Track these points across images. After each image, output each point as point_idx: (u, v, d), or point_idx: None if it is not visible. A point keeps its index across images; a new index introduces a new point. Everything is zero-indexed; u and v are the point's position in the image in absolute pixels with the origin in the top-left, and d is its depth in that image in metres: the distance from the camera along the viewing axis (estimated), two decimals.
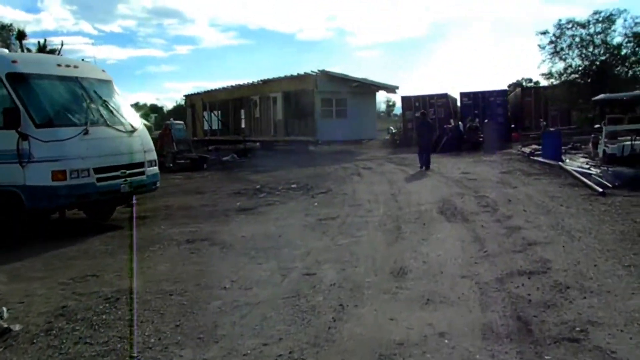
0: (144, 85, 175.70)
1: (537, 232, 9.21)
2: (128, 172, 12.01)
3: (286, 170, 22.88)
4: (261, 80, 37.49)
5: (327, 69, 33.16)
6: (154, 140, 26.45)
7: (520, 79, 72.76)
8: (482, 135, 29.84)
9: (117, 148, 11.99)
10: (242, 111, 40.70)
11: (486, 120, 30.79)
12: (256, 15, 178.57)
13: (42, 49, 59.35)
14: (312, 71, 33.35)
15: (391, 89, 37.57)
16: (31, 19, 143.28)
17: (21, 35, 59.47)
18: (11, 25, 58.90)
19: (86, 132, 11.18)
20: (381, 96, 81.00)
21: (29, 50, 59.02)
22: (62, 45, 61.00)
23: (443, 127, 31.74)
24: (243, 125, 41.02)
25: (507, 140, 32.54)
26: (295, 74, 34.55)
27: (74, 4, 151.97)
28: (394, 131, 39.50)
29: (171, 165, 25.59)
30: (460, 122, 31.20)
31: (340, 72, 34.09)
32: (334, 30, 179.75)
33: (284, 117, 34.58)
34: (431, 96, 36.72)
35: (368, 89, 35.88)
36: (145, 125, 13.93)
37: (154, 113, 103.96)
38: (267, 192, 16.31)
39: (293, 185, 17.28)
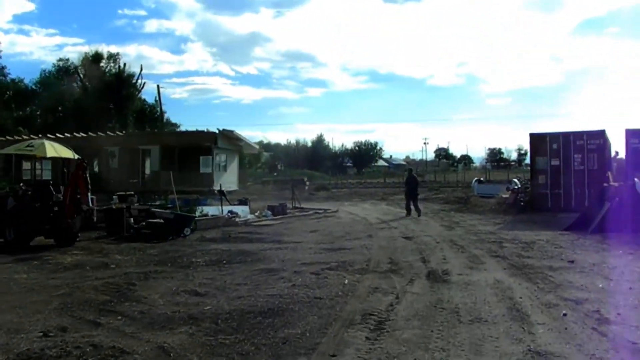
0: (277, 125, 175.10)
1: None
2: None
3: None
4: (124, 132, 41.14)
5: (225, 128, 35.92)
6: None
7: None
8: None
9: None
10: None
11: None
12: (387, 60, 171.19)
13: (120, 72, 51.88)
14: (208, 129, 36.32)
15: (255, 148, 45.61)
16: (175, 60, 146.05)
17: (97, 57, 52.19)
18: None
19: None
20: None
21: (104, 73, 51.86)
22: (141, 70, 53.37)
23: (602, 187, 17.27)
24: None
25: None
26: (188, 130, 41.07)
27: (213, 47, 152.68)
28: (516, 186, 25.04)
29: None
30: (637, 180, 16.53)
31: (235, 132, 37.03)
32: (465, 76, 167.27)
33: (160, 169, 33.87)
34: (578, 134, 21.98)
35: (238, 147, 39.03)
36: None
37: (267, 151, 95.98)
38: None
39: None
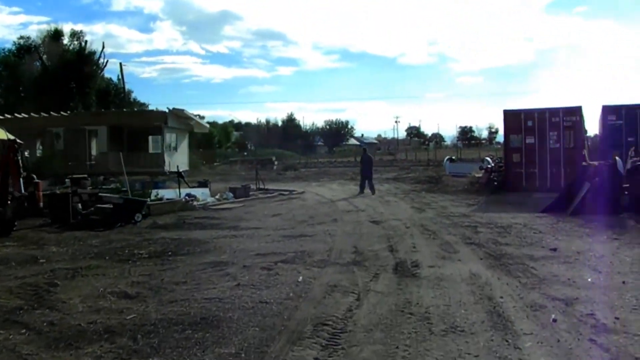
0: (247, 104, 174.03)
1: None
2: None
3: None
4: (70, 112, 38.04)
5: (176, 107, 35.56)
6: None
7: None
8: None
9: None
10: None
11: None
12: (358, 39, 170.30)
13: (81, 49, 49.46)
14: (157, 108, 37.18)
15: (206, 127, 43.52)
16: (144, 39, 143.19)
17: (57, 34, 49.63)
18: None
19: None
20: None
21: (65, 51, 49.38)
22: (103, 47, 50.96)
23: (581, 167, 16.32)
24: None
25: None
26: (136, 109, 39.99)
27: (183, 25, 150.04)
28: (489, 165, 24.06)
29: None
30: (617, 158, 15.56)
31: (185, 111, 36.54)
32: (436, 55, 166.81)
33: (108, 150, 32.22)
34: (554, 111, 20.88)
35: (189, 126, 38.00)
36: None
37: (237, 131, 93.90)
38: None
39: None
